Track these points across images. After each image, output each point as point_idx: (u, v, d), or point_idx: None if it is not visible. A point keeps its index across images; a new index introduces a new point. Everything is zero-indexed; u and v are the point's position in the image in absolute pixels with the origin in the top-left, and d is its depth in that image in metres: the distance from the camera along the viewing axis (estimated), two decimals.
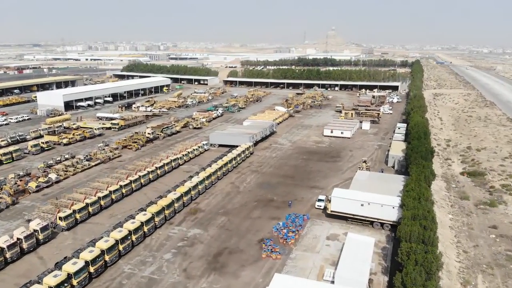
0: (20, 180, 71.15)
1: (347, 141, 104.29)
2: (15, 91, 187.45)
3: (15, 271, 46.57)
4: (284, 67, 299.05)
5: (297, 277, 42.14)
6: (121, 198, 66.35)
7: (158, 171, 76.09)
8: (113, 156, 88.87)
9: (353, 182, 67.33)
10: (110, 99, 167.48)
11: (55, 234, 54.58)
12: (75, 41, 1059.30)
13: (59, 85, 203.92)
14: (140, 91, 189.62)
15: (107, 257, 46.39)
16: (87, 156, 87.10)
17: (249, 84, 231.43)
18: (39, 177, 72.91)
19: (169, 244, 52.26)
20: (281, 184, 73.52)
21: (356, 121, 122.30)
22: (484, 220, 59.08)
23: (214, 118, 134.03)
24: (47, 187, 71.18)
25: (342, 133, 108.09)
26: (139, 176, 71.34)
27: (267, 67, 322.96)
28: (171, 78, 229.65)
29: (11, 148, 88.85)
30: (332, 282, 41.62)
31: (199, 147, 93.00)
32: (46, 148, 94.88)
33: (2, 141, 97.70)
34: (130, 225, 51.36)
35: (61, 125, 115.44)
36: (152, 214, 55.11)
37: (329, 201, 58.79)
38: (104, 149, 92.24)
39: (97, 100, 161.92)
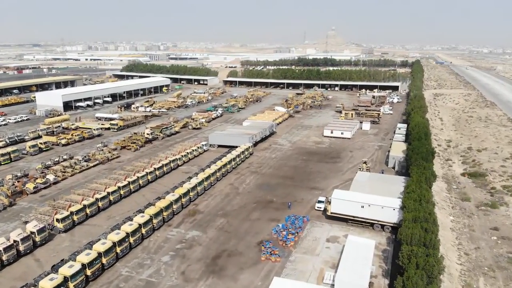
0: (18, 181, 70.66)
1: (347, 142, 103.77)
2: (14, 91, 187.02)
3: (12, 274, 46.07)
4: (284, 67, 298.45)
5: (297, 281, 41.68)
6: (119, 199, 65.84)
7: (157, 172, 75.58)
8: (111, 157, 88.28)
9: (353, 183, 66.76)
10: (109, 99, 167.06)
11: (52, 236, 54.08)
12: (75, 41, 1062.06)
13: (58, 85, 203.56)
14: (139, 91, 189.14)
15: (104, 260, 45.88)
16: (85, 157, 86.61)
17: (249, 84, 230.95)
18: (37, 178, 72.35)
19: (167, 246, 51.73)
20: (280, 185, 72.99)
21: (356, 122, 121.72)
22: (486, 221, 58.56)
23: (213, 119, 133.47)
24: (44, 188, 70.64)
25: (342, 133, 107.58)
26: (138, 177, 70.80)
27: (267, 67, 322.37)
28: (171, 78, 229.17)
29: (9, 149, 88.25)
30: (332, 285, 41.17)
31: (198, 147, 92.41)
32: (44, 149, 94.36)
33: (0, 141, 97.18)
34: (127, 227, 50.85)
35: (60, 126, 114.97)
36: (150, 216, 54.62)
37: (329, 202, 58.27)
38: (102, 150, 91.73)
39: (96, 101, 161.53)
